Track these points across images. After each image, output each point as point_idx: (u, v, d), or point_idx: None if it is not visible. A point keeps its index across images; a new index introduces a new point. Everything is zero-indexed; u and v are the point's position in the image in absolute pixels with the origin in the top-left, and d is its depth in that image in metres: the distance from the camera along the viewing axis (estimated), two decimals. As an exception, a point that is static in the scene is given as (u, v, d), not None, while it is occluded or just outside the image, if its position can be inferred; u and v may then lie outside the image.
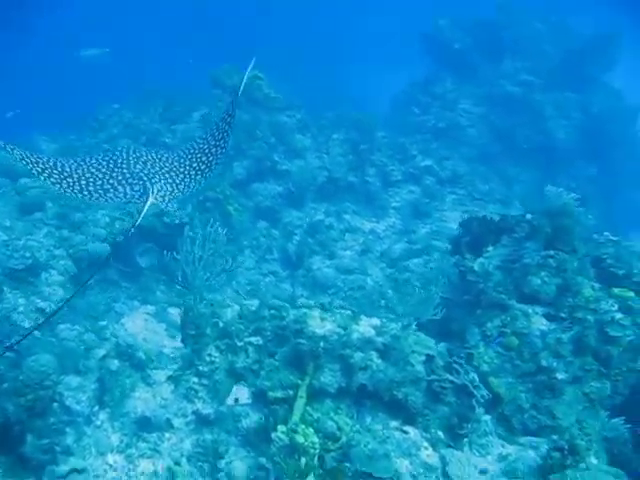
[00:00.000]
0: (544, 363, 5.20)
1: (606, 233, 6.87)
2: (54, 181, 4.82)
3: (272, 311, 4.64)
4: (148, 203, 4.72)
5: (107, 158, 5.25)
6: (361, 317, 4.33)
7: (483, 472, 4.73)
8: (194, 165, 5.33)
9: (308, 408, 4.55)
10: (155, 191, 4.91)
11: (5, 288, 7.36)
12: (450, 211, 11.47)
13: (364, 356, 4.69)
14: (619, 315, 5.51)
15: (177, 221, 9.44)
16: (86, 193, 4.92)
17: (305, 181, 10.95)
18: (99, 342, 6.55)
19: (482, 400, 4.86)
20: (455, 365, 4.77)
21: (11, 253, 7.48)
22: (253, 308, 4.89)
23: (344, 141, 11.74)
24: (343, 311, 4.41)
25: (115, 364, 6.13)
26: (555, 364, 5.22)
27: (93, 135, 13.10)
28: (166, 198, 4.99)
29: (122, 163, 5.18)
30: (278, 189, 10.89)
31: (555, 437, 5.01)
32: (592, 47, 16.19)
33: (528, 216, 5.57)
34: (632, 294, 5.68)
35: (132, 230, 4.96)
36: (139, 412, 5.72)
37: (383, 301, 8.86)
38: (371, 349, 4.75)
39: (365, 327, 4.31)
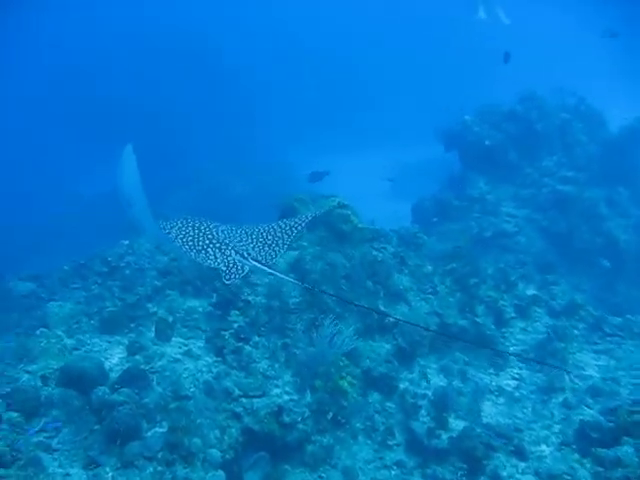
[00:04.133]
0: None
1: None
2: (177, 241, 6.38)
3: None
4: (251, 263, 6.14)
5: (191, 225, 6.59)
6: None
7: None
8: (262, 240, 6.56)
9: None
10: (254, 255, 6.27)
11: None
12: (580, 353, 9.93)
13: None
14: None
15: (299, 419, 7.30)
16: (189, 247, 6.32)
17: (417, 333, 9.09)
18: None
19: None
20: None
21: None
22: None
23: (445, 274, 10.08)
24: None
25: None
26: None
27: (109, 284, 10.70)
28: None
29: (205, 230, 6.55)
30: (386, 347, 8.98)
31: None
32: (632, 135, 15.66)
33: None
34: None
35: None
36: None
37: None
38: None
39: None
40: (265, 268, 6.11)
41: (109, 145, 29.50)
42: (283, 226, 6.79)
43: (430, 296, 9.64)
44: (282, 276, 6.32)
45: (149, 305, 9.31)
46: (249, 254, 6.21)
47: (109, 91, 29.86)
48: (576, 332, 10.23)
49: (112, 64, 31.30)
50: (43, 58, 33.73)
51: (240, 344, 7.77)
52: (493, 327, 9.87)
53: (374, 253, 9.47)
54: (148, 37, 33.05)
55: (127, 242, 11.65)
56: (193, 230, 6.45)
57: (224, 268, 6.05)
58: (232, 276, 5.99)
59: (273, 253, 6.42)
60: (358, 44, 39.52)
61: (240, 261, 6.15)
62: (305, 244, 9.31)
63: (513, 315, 10.14)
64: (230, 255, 6.20)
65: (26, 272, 11.91)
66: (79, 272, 11.31)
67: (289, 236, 6.69)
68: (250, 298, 8.55)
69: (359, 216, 9.88)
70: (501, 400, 9.03)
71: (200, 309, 9.28)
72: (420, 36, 40.32)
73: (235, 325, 8.03)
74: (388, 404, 8.69)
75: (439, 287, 9.76)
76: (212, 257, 6.20)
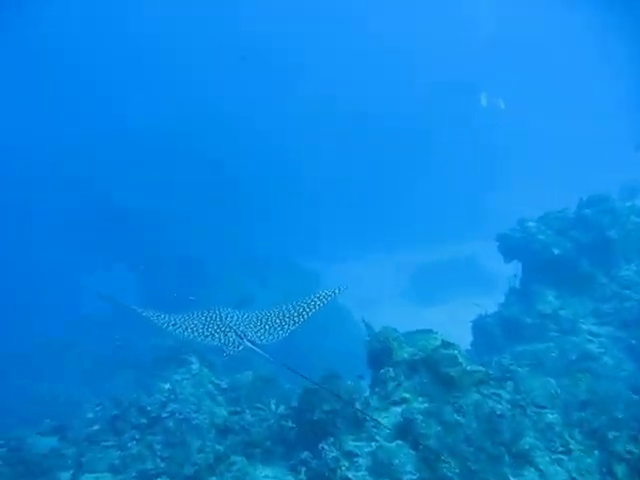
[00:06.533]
0: None
1: None
2: (180, 332, 7.89)
3: None
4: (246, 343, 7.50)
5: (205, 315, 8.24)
6: None
7: None
8: (270, 323, 7.96)
9: None
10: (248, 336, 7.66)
11: None
12: None
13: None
14: None
15: None
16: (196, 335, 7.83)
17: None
18: None
19: None
20: None
21: None
22: None
23: (572, 425, 8.26)
24: None
25: None
26: None
27: (149, 440, 8.84)
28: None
29: (216, 318, 8.09)
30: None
31: None
32: None
33: None
34: None
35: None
36: None
37: None
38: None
39: None
40: (255, 348, 7.44)
41: (111, 256, 28.19)
42: (291, 310, 8.15)
43: (562, 456, 7.74)
44: (267, 356, 7.35)
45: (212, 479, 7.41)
46: (245, 335, 7.61)
47: (116, 199, 28.79)
48: None
49: (127, 170, 30.32)
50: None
51: None
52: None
53: (490, 404, 7.66)
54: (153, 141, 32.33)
55: (168, 386, 9.85)
56: (206, 319, 8.06)
57: (224, 348, 7.44)
58: (229, 351, 7.38)
59: (275, 335, 7.74)
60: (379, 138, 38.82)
61: (237, 340, 7.54)
62: (408, 396, 7.51)
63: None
64: (231, 337, 7.61)
65: (47, 424, 10.04)
66: (112, 425, 9.43)
67: (295, 321, 7.97)
68: (350, 474, 6.65)
69: (464, 355, 8.15)
70: None
71: (275, 482, 7.39)
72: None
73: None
74: None
75: (571, 444, 7.88)
76: (217, 339, 7.63)
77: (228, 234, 29.02)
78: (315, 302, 8.26)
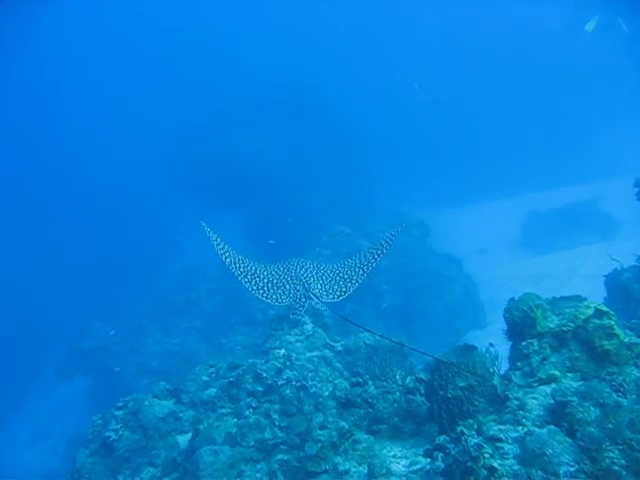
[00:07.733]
0: None
1: None
2: (247, 282, 7.84)
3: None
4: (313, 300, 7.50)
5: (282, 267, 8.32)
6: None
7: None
8: (341, 276, 7.98)
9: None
10: (315, 291, 7.64)
11: None
12: None
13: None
14: None
15: None
16: (264, 291, 7.77)
17: None
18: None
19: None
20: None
21: None
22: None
23: None
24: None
25: None
26: None
27: (266, 408, 8.43)
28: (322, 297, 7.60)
29: (291, 270, 8.14)
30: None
31: None
32: None
33: None
34: None
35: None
36: None
37: None
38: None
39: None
40: (320, 302, 7.53)
41: (219, 209, 28.26)
42: (362, 260, 8.10)
43: None
44: (327, 310, 7.87)
45: (337, 459, 6.83)
46: (309, 288, 7.63)
47: (218, 150, 28.65)
48: None
49: (227, 122, 30.13)
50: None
51: None
52: None
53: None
54: (258, 91, 31.82)
55: (283, 352, 9.35)
56: (283, 271, 8.15)
57: (295, 305, 7.53)
58: (297, 310, 7.46)
59: (344, 287, 7.72)
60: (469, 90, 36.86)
61: (305, 295, 7.57)
62: (557, 373, 6.56)
63: None
64: (299, 290, 7.67)
65: (162, 387, 9.88)
66: (228, 392, 9.08)
67: (364, 271, 7.91)
68: (495, 463, 5.84)
69: (620, 325, 7.05)
70: None
71: (406, 464, 6.71)
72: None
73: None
74: None
75: None
76: (287, 293, 7.72)
77: (337, 184, 28.32)
78: (382, 245, 8.15)
